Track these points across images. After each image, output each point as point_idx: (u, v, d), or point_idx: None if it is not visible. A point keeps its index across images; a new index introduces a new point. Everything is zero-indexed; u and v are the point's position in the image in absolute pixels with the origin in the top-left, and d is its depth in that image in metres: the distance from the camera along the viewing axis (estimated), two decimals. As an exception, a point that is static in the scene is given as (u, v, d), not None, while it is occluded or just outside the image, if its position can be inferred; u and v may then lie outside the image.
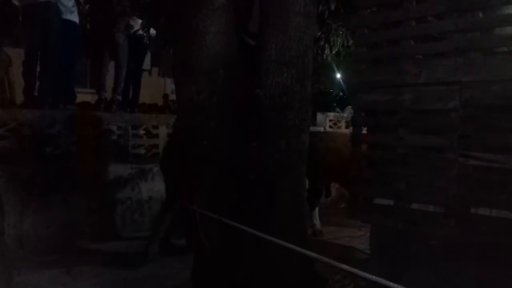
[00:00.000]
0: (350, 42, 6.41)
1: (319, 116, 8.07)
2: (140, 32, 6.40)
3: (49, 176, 4.55)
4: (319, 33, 6.15)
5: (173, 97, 10.73)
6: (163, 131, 5.78)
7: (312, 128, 4.78)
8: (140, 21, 6.37)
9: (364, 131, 3.28)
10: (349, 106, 8.71)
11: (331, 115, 8.42)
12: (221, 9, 2.82)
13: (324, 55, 6.95)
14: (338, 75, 10.57)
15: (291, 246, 2.20)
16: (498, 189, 2.48)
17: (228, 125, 2.88)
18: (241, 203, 2.76)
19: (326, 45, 6.67)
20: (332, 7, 5.37)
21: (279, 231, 2.65)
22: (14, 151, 4.52)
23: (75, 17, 5.53)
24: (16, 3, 5.43)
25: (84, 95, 8.57)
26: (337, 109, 9.37)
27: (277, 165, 2.82)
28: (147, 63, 7.12)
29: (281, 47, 2.84)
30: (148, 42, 6.76)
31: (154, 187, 5.15)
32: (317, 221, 5.09)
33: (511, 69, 2.44)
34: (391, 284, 1.67)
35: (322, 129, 7.63)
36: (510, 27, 2.60)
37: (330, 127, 8.14)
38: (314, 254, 2.17)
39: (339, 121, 8.36)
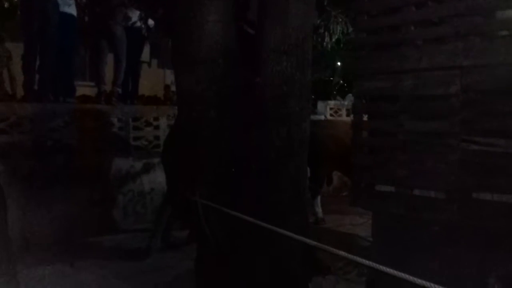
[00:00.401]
0: (350, 29, 6.37)
1: (320, 104, 8.06)
2: (138, 23, 6.36)
3: (51, 170, 4.57)
4: (318, 21, 6.10)
5: (174, 88, 10.72)
6: (163, 122, 5.78)
7: (312, 117, 4.78)
8: (138, 12, 6.33)
9: (365, 118, 3.27)
10: (349, 94, 8.68)
11: (332, 103, 8.40)
12: (219, -2, 2.80)
13: (324, 43, 6.90)
14: (338, 63, 10.52)
15: (291, 235, 2.21)
16: (499, 173, 2.47)
17: (229, 115, 2.87)
18: (243, 192, 2.76)
19: (326, 32, 6.62)
20: (331, -6, 5.33)
21: (280, 219, 2.65)
22: (15, 145, 4.53)
23: (72, 10, 5.52)
24: (13, -4, 5.42)
25: (84, 88, 8.56)
26: (338, 97, 9.34)
27: (278, 153, 2.81)
28: (146, 54, 7.09)
29: (280, 35, 2.82)
30: (146, 33, 6.73)
31: (156, 178, 5.17)
32: (319, 209, 5.10)
33: (512, 53, 2.42)
34: (392, 271, 1.68)
35: (323, 117, 7.62)
36: (511, 11, 2.57)
37: (331, 115, 8.13)
38: (313, 242, 2.17)
39: (339, 109, 8.34)
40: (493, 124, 2.53)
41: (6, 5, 6.21)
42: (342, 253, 1.94)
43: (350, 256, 1.93)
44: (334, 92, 10.09)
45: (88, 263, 3.81)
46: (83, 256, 3.95)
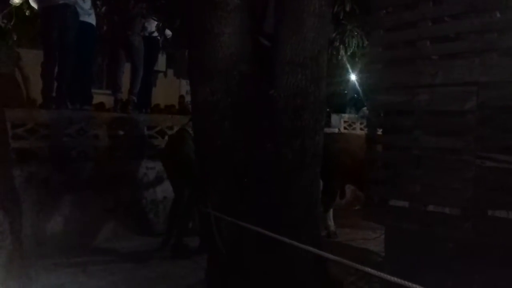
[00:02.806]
0: (365, 43, 6.36)
1: (334, 118, 8.04)
2: (156, 33, 6.45)
3: (66, 176, 4.62)
4: (334, 34, 6.12)
5: (188, 98, 10.80)
6: (178, 132, 5.80)
7: (326, 130, 4.77)
8: (155, 22, 6.43)
9: (379, 132, 3.26)
10: (363, 108, 8.66)
11: (346, 116, 8.38)
12: (236, 10, 2.83)
13: (339, 56, 6.91)
14: (353, 77, 10.50)
15: (303, 246, 2.20)
16: (515, 191, 2.44)
17: (243, 126, 2.89)
18: (255, 204, 2.76)
19: (341, 46, 6.62)
20: (347, 8, 5.34)
21: (292, 231, 2.65)
22: (32, 151, 4.60)
23: (92, 19, 5.61)
24: (35, 5, 5.53)
25: (101, 96, 8.68)
26: (352, 111, 9.32)
27: (291, 165, 2.81)
28: (162, 64, 7.16)
29: (296, 48, 2.84)
30: (163, 43, 6.81)
31: (169, 187, 5.18)
32: (331, 223, 5.07)
33: (529, 70, 2.40)
34: (408, 283, 1.66)
35: (336, 130, 7.59)
36: (528, 27, 2.56)
37: (345, 128, 8.11)
38: (326, 254, 2.17)
39: (353, 123, 8.31)
40: (509, 141, 2.50)
41: (27, 12, 6.35)
42: (356, 265, 1.92)
43: (365, 268, 1.91)
44: (348, 106, 10.06)
45: (100, 269, 3.84)
46: (95, 262, 3.98)
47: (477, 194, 2.55)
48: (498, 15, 2.61)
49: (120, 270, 3.84)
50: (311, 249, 2.17)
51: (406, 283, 1.69)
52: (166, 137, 5.68)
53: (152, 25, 6.38)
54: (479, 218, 2.54)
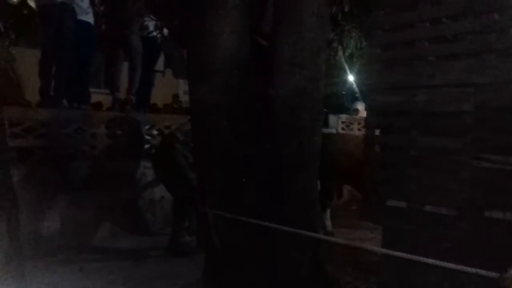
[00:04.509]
0: (363, 43, 6.40)
1: (332, 118, 8.05)
2: (154, 33, 6.45)
3: (64, 175, 4.62)
4: (332, 35, 6.14)
5: (186, 98, 10.80)
6: (176, 131, 5.80)
7: (324, 130, 4.78)
8: (154, 22, 6.43)
9: (377, 132, 3.27)
10: (356, 101, 8.73)
11: (344, 117, 8.39)
12: (235, 10, 2.84)
13: (337, 57, 6.94)
14: (351, 77, 10.53)
15: (302, 232, 2.19)
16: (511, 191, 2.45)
17: (241, 125, 2.89)
18: (253, 203, 2.77)
19: (339, 46, 6.66)
20: (346, 9, 5.37)
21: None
22: (29, 149, 4.59)
23: (90, 18, 5.60)
24: (32, 4, 5.52)
25: (98, 95, 8.67)
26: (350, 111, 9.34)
27: (289, 165, 2.82)
28: (160, 64, 7.15)
29: (294, 48, 2.84)
30: (161, 43, 6.81)
31: (166, 187, 5.19)
32: (328, 223, 5.08)
33: (526, 71, 2.41)
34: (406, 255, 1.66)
35: (334, 130, 7.60)
36: (525, 29, 2.57)
37: (343, 129, 8.12)
38: (330, 238, 2.16)
39: (351, 123, 8.33)
40: (506, 141, 2.51)
41: (25, 11, 6.33)
42: (356, 244, 1.92)
43: (364, 246, 1.92)
44: (347, 106, 10.08)
45: (97, 268, 3.84)
46: (92, 261, 3.98)
47: (473, 194, 2.56)
48: (496, 16, 2.62)
49: (117, 268, 3.84)
50: (311, 234, 2.16)
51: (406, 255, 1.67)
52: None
53: (151, 25, 6.38)
54: (476, 218, 2.55)
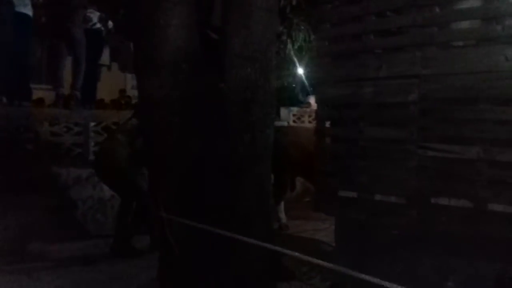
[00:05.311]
0: (312, 37, 6.47)
1: (283, 111, 8.13)
2: (98, 25, 6.22)
3: (6, 177, 4.37)
4: (281, 28, 6.17)
5: (133, 92, 10.51)
6: (124, 127, 5.64)
7: (276, 123, 4.80)
8: (98, 14, 6.20)
9: (328, 124, 3.32)
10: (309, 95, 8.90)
11: (295, 109, 8.49)
12: (183, 2, 2.77)
13: (287, 50, 6.99)
14: (301, 70, 10.65)
15: (255, 242, 2.21)
16: (455, 179, 2.57)
17: (193, 121, 2.84)
18: (207, 199, 2.73)
19: (288, 40, 6.71)
20: (294, 2, 5.40)
21: (245, 225, 2.65)
22: (-34, 150, 4.33)
23: (28, 10, 5.33)
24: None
25: (40, 91, 8.27)
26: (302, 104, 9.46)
27: (242, 159, 2.81)
28: (106, 58, 6.93)
29: (244, 41, 2.82)
30: (106, 36, 6.58)
31: (116, 185, 5.04)
32: (282, 215, 5.12)
33: (467, 63, 2.53)
34: (358, 274, 1.70)
35: (286, 123, 7.68)
36: (465, 22, 2.69)
37: (294, 121, 8.22)
38: (278, 248, 2.19)
39: (302, 116, 8.44)
40: (449, 131, 2.62)
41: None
42: (307, 258, 1.95)
43: (315, 260, 1.94)
44: (298, 99, 10.20)
45: (45, 273, 3.66)
46: (41, 266, 3.80)
47: (420, 182, 2.66)
48: (437, 10, 2.72)
49: (67, 273, 3.69)
50: (264, 244, 2.18)
51: (354, 273, 1.73)
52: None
53: (94, 17, 6.15)
54: (423, 206, 2.65)
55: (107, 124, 5.56)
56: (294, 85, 11.27)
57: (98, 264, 3.90)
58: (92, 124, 5.47)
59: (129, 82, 13.31)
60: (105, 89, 10.62)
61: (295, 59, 8.77)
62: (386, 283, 1.58)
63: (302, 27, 6.62)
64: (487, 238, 2.41)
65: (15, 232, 4.27)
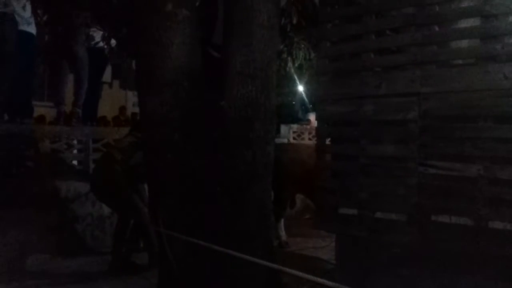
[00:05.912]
0: (312, 55, 6.52)
1: (283, 128, 8.15)
2: (101, 44, 6.28)
3: (6, 193, 4.36)
4: (281, 46, 6.22)
5: (134, 110, 10.56)
6: (125, 144, 5.65)
7: (276, 140, 4.81)
8: (100, 32, 6.26)
9: (328, 142, 3.33)
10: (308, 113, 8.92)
11: (295, 126, 8.51)
12: (185, 21, 2.81)
13: (287, 68, 7.04)
14: (301, 88, 10.73)
15: (255, 260, 2.20)
16: (456, 196, 2.56)
17: (193, 138, 2.85)
18: (207, 216, 2.73)
19: (289, 58, 6.76)
20: (294, 21, 5.45)
21: (245, 243, 2.64)
22: (-34, 166, 4.33)
23: (32, 29, 5.38)
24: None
25: (41, 108, 8.32)
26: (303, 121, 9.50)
27: (243, 177, 2.81)
28: (108, 75, 6.98)
29: (245, 59, 2.85)
30: (108, 53, 6.64)
31: (116, 202, 5.02)
32: (282, 233, 5.09)
33: (466, 81, 2.55)
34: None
35: (286, 140, 7.69)
36: (464, 40, 2.72)
37: (294, 138, 8.23)
38: (278, 267, 2.18)
39: (302, 133, 8.46)
40: (450, 148, 2.63)
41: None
42: (307, 276, 1.94)
43: (315, 278, 1.93)
44: (298, 116, 10.25)
45: (43, 291, 3.64)
46: (39, 284, 3.76)
47: (421, 200, 2.66)
48: (437, 28, 2.76)
49: (65, 290, 3.66)
50: (264, 263, 2.17)
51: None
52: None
53: (97, 35, 6.21)
54: (423, 223, 2.64)
55: (108, 141, 5.57)
56: (294, 103, 11.35)
57: (96, 281, 3.87)
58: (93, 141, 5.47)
59: (130, 99, 13.39)
60: (107, 106, 10.69)
61: (296, 77, 8.84)
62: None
63: (303, 46, 6.68)
64: (488, 256, 2.40)
65: (15, 248, 4.23)
